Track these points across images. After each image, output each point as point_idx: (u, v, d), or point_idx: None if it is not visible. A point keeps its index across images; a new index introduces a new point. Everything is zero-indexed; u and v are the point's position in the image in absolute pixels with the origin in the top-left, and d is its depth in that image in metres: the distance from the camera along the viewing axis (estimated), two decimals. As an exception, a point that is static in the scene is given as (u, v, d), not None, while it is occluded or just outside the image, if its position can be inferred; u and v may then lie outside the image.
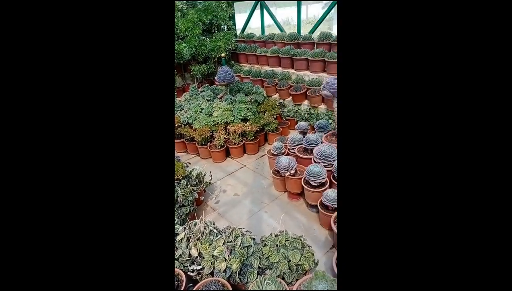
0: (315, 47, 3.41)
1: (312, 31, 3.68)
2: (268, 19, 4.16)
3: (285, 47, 3.59)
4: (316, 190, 1.91)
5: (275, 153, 2.39)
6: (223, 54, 3.90)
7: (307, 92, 3.17)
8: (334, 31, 3.65)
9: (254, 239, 1.52)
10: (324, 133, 2.35)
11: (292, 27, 4.00)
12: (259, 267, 1.37)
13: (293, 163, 2.07)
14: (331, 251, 1.71)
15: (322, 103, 3.11)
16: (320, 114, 3.02)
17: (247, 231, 1.61)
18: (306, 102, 3.26)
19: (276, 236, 1.49)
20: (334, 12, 3.71)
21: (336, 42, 3.09)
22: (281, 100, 3.46)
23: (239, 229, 1.55)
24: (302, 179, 2.02)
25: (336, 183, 1.90)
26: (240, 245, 1.42)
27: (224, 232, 1.53)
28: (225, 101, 3.07)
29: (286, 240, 1.43)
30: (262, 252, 1.41)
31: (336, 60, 2.96)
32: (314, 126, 2.62)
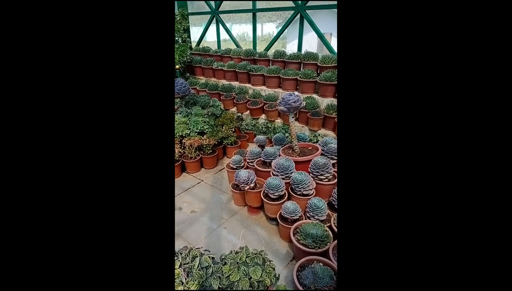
0: (270, 64, 3.55)
1: (267, 49, 3.84)
2: (224, 34, 4.22)
3: (241, 62, 3.67)
4: (275, 203, 1.93)
5: (234, 167, 2.36)
6: (177, 66, 3.81)
7: (264, 107, 3.26)
8: (288, 49, 3.84)
9: (213, 258, 1.45)
10: (281, 147, 2.42)
11: (248, 43, 4.11)
12: (219, 288, 1.30)
13: (252, 176, 2.07)
14: (292, 263, 1.72)
15: (279, 118, 3.22)
16: (277, 128, 3.11)
17: (205, 250, 1.53)
18: (263, 116, 3.34)
19: (236, 253, 1.44)
20: (287, 31, 3.91)
21: (289, 60, 3.27)
22: (239, 114, 3.49)
23: (197, 248, 1.46)
24: (262, 192, 2.02)
25: (294, 194, 1.95)
26: (198, 266, 1.34)
27: (181, 254, 1.43)
28: (180, 114, 2.97)
29: (246, 257, 1.40)
30: (222, 272, 1.35)
31: (290, 77, 3.12)
32: (272, 140, 2.68)
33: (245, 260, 1.38)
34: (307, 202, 1.85)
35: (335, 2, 3.06)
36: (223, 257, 1.45)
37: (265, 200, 1.96)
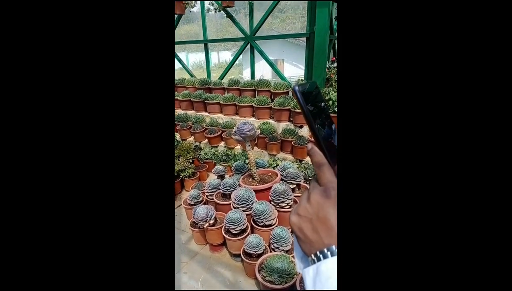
0: (226, 92, 3.57)
1: (221, 77, 3.88)
2: (178, 64, 4.18)
3: (196, 91, 3.63)
4: (237, 238, 1.82)
5: (192, 202, 2.22)
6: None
7: (223, 135, 3.21)
8: (244, 76, 3.93)
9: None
10: (242, 175, 2.35)
11: (204, 71, 4.12)
12: None
13: (211, 212, 1.95)
14: (259, 303, 1.60)
15: (238, 144, 3.19)
16: (237, 155, 3.06)
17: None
18: (222, 143, 3.28)
19: (196, 305, 1.29)
20: (242, 58, 4.02)
21: (244, 88, 3.33)
22: (197, 143, 3.38)
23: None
24: (223, 228, 1.91)
25: (256, 226, 1.87)
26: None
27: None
28: (132, 149, 2.76)
29: (207, 308, 1.25)
30: (180, 332, 1.18)
31: (245, 104, 3.15)
32: (232, 169, 2.61)
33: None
34: (270, 233, 1.78)
35: (283, 33, 3.24)
36: (181, 312, 1.28)
37: (227, 236, 1.85)
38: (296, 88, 0.36)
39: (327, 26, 2.61)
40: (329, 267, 0.29)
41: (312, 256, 0.32)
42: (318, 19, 2.60)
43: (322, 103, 0.39)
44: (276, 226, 1.84)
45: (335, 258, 0.30)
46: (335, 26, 3.34)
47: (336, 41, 3.54)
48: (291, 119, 2.92)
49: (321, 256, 0.31)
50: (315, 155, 0.36)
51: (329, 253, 0.30)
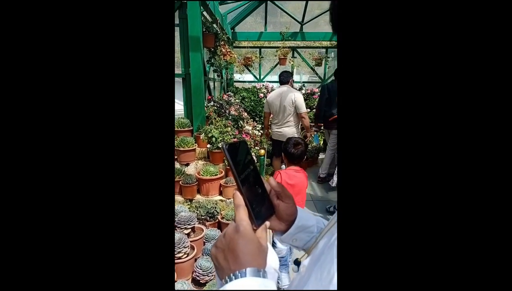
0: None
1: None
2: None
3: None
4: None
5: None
6: None
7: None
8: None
9: None
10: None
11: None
12: None
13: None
14: None
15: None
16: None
17: None
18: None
19: None
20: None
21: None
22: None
23: None
24: None
25: None
26: None
27: None
28: None
29: None
30: None
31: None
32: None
33: None
34: None
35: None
36: None
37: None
38: (224, 145, 0.45)
39: (201, 69, 2.80)
40: (233, 287, 0.37)
41: (223, 280, 0.39)
42: (192, 62, 2.75)
43: (248, 158, 0.48)
44: (177, 281, 1.66)
45: (238, 280, 0.37)
46: (207, 69, 3.62)
47: (210, 82, 3.81)
48: (176, 157, 2.83)
49: (228, 279, 0.38)
50: (235, 197, 0.45)
51: (233, 277, 0.38)
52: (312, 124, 4.15)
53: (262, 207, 0.48)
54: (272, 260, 0.47)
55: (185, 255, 1.83)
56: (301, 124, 3.47)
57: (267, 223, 0.47)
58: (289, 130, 3.37)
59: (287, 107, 3.28)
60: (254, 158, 2.84)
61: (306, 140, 3.22)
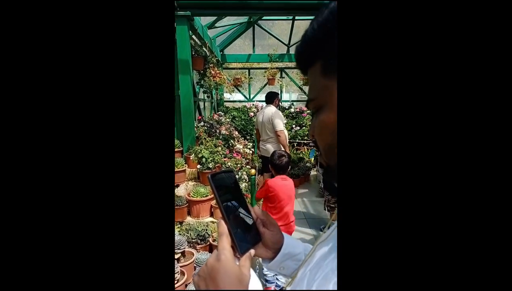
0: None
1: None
2: None
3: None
4: None
5: None
6: None
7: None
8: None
9: None
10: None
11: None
12: None
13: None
14: None
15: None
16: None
17: None
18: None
19: None
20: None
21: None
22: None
23: None
24: None
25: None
26: None
27: None
28: None
29: None
30: None
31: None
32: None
33: None
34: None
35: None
36: None
37: None
38: (209, 176, 0.46)
39: (190, 91, 2.83)
40: None
41: None
42: (182, 84, 2.79)
43: (234, 186, 0.50)
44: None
45: None
46: (197, 90, 3.66)
47: (200, 102, 3.85)
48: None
49: None
50: (219, 226, 0.45)
51: None
52: (307, 140, 4.19)
53: (248, 234, 0.48)
54: (255, 287, 0.46)
55: (175, 281, 1.74)
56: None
57: (252, 251, 0.47)
58: (271, 146, 3.47)
59: (266, 124, 3.44)
60: (246, 176, 2.82)
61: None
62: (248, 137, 5.08)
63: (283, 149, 3.22)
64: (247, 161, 3.48)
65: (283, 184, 2.11)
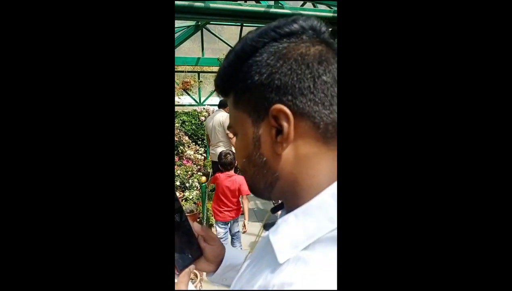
0: None
1: None
2: None
3: None
4: None
5: None
6: None
7: None
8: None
9: None
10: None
11: None
12: None
13: None
14: None
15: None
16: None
17: None
18: None
19: None
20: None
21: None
22: None
23: None
24: None
25: None
26: None
27: None
28: None
29: None
30: None
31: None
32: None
33: None
34: None
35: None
36: None
37: None
38: None
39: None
40: None
41: None
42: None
43: (182, 218, 0.52)
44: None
45: None
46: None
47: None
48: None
49: None
50: None
51: None
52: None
53: (188, 250, 0.50)
54: None
55: None
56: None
57: (191, 267, 0.49)
58: (221, 150, 3.51)
59: (216, 127, 3.45)
60: (198, 184, 2.78)
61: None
62: (199, 142, 5.00)
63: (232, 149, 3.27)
64: (199, 167, 3.43)
65: (227, 178, 2.39)
